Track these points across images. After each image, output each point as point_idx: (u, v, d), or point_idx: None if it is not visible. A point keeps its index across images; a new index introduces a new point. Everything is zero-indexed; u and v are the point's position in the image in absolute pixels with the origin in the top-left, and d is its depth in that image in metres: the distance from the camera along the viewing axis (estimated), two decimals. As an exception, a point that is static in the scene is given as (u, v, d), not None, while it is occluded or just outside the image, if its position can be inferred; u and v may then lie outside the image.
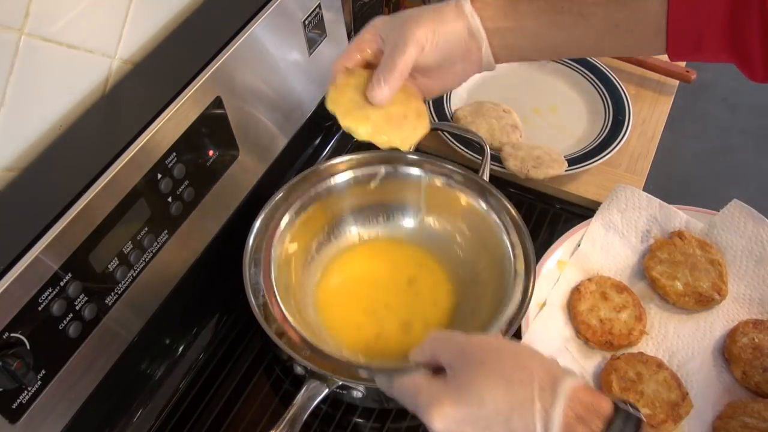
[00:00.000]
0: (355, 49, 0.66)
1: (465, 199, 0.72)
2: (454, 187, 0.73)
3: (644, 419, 0.49)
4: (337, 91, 0.65)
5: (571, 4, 0.64)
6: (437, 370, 0.54)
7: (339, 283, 0.73)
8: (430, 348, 0.56)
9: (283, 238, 0.71)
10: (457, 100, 1.09)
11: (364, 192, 0.75)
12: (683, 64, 1.16)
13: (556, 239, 0.90)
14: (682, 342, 0.83)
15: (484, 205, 0.70)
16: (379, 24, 0.67)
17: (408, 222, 0.76)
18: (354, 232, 0.76)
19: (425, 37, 0.63)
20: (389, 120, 0.63)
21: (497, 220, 0.70)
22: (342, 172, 0.76)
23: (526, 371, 0.50)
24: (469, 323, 0.70)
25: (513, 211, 0.71)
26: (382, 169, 0.74)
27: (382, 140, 0.63)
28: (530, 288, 0.66)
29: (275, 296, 0.66)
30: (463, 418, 0.50)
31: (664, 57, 0.64)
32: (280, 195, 0.87)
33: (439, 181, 0.73)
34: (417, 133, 0.65)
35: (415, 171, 0.73)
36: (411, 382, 0.54)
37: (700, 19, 0.61)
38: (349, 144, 1.07)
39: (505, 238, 0.69)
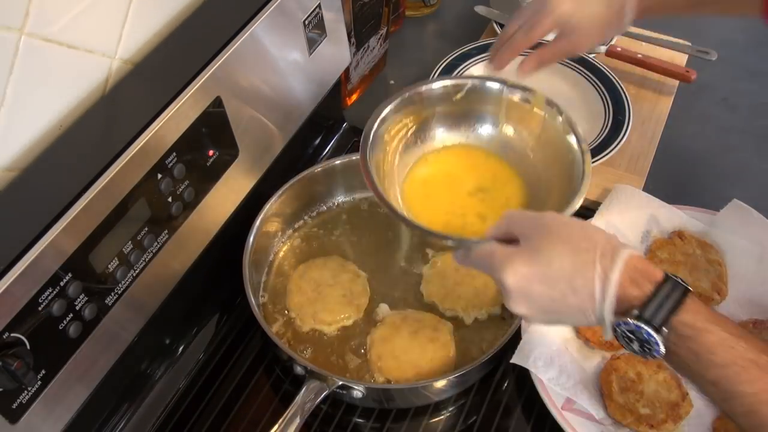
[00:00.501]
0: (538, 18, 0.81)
1: (540, 113, 0.78)
2: (531, 102, 0.79)
3: (692, 289, 0.55)
4: None
5: None
6: (510, 244, 0.60)
7: (422, 182, 0.79)
8: (505, 223, 0.62)
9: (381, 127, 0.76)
10: (457, 100, 1.09)
11: (450, 102, 0.80)
12: (684, 63, 1.16)
13: (556, 239, 0.90)
14: (682, 342, 0.83)
15: (560, 119, 0.76)
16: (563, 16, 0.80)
17: (487, 131, 0.82)
18: (439, 137, 0.82)
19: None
20: None
21: (570, 134, 0.76)
22: (432, 83, 0.80)
23: (591, 240, 0.57)
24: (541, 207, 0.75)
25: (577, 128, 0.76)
26: (469, 82, 0.80)
27: None
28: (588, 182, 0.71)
29: (369, 172, 0.71)
30: (533, 275, 0.57)
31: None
32: (280, 195, 0.88)
33: (517, 97, 0.79)
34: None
35: (496, 86, 0.80)
36: (488, 247, 0.61)
37: None
38: (348, 144, 1.07)
39: (574, 142, 0.75)
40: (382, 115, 0.75)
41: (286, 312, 0.85)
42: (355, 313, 0.84)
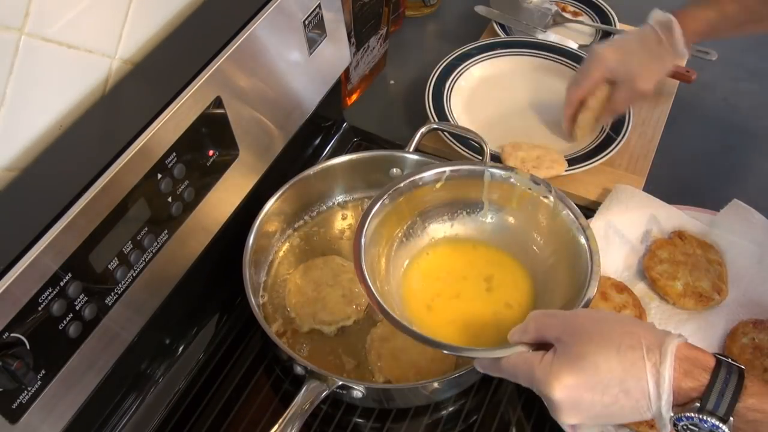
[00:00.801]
0: (591, 77, 0.96)
1: (532, 194, 0.77)
2: (533, 191, 0.77)
3: (745, 368, 0.53)
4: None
5: (753, 16, 0.90)
6: (539, 347, 0.58)
7: (420, 283, 0.78)
8: (534, 326, 0.59)
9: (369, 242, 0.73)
10: (458, 99, 1.09)
11: (434, 192, 0.79)
12: (683, 63, 1.16)
13: (556, 239, 0.90)
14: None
15: (551, 198, 0.76)
16: (611, 59, 0.95)
17: (479, 219, 0.81)
18: (431, 231, 0.81)
19: (650, 89, 0.96)
20: None
21: (564, 210, 0.75)
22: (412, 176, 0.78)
23: (634, 336, 0.54)
24: (549, 306, 0.73)
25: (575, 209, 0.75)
26: (447, 170, 0.78)
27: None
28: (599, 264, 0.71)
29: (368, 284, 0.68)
30: (581, 385, 0.54)
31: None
32: (280, 195, 0.88)
33: (501, 179, 0.78)
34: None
35: (478, 168, 0.79)
36: (522, 359, 0.58)
37: None
38: (349, 144, 1.07)
39: (571, 218, 0.74)
40: (370, 217, 0.73)
41: (285, 312, 0.85)
42: (355, 314, 0.83)
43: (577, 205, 0.97)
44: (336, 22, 0.92)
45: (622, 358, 0.53)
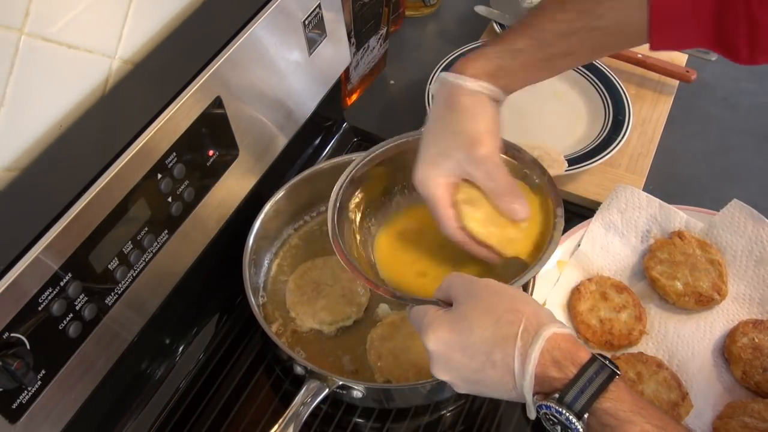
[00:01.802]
0: (447, 211, 0.70)
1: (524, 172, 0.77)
2: (518, 162, 0.77)
3: (620, 374, 0.53)
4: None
5: (554, 48, 0.70)
6: (448, 306, 0.60)
7: (392, 242, 0.80)
8: (446, 285, 0.61)
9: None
10: (457, 100, 1.09)
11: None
12: (684, 63, 1.16)
13: (556, 239, 0.90)
14: (682, 342, 0.83)
15: (537, 180, 0.75)
16: (433, 174, 0.71)
17: None
18: (406, 197, 0.83)
19: (495, 145, 0.70)
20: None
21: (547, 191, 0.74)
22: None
23: (517, 313, 0.55)
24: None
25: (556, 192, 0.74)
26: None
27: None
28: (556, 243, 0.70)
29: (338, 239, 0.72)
30: (453, 342, 0.57)
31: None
32: (280, 195, 0.88)
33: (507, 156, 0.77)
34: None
35: None
36: (422, 308, 0.61)
37: (683, 22, 0.65)
38: (348, 144, 1.07)
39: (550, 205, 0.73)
40: (344, 182, 0.77)
41: (285, 312, 0.85)
42: (355, 313, 0.83)
43: (577, 205, 0.99)
44: (336, 22, 0.92)
45: (497, 330, 0.55)
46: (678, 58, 1.17)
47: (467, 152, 0.68)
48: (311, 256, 0.90)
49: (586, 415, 0.52)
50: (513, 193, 0.69)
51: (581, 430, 0.52)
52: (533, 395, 0.54)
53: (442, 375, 0.58)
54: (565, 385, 0.52)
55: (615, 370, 0.53)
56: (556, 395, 0.52)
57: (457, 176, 0.70)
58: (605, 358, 0.54)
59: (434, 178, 0.70)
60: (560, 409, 0.52)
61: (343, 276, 0.86)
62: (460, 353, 0.56)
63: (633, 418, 0.51)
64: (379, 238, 0.81)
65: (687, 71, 1.10)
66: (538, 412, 0.54)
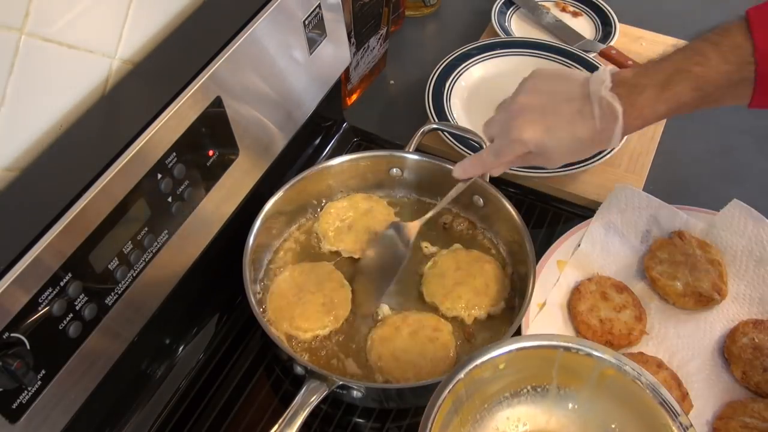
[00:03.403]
0: None
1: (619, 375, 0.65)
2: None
3: None
4: None
5: (710, 99, 0.68)
6: None
7: None
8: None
9: None
10: (458, 99, 1.09)
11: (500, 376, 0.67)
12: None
13: (556, 239, 0.90)
14: (682, 342, 0.83)
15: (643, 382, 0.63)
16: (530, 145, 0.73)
17: (543, 401, 0.69)
18: (501, 417, 0.69)
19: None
20: None
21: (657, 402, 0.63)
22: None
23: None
24: None
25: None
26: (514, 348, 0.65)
27: None
28: None
29: None
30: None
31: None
32: (280, 195, 0.88)
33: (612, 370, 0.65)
34: None
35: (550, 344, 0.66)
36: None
37: None
38: (348, 144, 1.07)
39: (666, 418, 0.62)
40: (432, 419, 0.61)
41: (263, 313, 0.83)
42: (332, 324, 0.82)
43: (577, 205, 0.99)
44: (336, 22, 0.92)
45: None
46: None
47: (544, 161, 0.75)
48: (311, 257, 0.90)
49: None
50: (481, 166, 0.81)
51: None
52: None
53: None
54: None
55: None
56: None
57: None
58: None
59: (510, 153, 0.75)
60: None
61: (327, 284, 0.85)
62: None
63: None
64: None
65: None
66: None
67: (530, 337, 0.69)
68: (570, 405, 0.68)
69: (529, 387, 0.68)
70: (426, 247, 0.91)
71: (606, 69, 0.70)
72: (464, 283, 0.85)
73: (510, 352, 0.64)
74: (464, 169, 0.81)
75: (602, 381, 0.65)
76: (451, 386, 0.62)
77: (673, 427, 0.61)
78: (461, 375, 0.63)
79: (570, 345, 0.64)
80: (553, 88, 0.72)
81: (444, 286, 0.85)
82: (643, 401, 0.62)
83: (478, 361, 0.63)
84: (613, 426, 0.66)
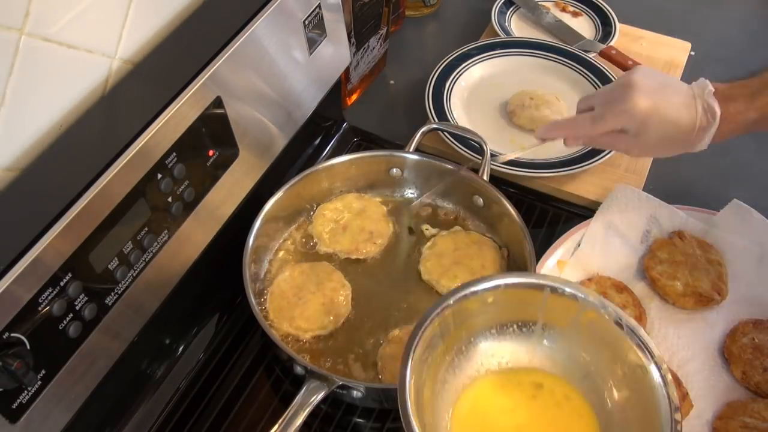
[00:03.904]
0: None
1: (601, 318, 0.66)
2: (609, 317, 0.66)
3: None
4: None
5: None
6: None
7: (475, 422, 0.67)
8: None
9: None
10: (458, 99, 1.09)
11: (487, 309, 0.68)
12: (683, 63, 1.16)
13: (556, 239, 0.90)
14: (682, 342, 0.83)
15: (624, 326, 0.65)
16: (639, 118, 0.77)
17: (528, 339, 0.70)
18: (476, 355, 0.70)
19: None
20: None
21: (645, 359, 0.64)
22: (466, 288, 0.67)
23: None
24: None
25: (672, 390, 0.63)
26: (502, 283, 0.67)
27: None
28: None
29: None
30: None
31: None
32: (280, 195, 0.88)
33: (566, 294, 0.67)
34: None
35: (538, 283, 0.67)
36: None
37: None
38: (348, 144, 1.07)
39: (653, 369, 0.63)
40: (417, 340, 0.62)
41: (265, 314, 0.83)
42: (332, 324, 0.82)
43: (577, 205, 0.99)
44: (336, 22, 0.92)
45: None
46: (678, 58, 1.17)
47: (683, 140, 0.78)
48: (311, 257, 0.90)
49: None
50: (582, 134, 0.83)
51: None
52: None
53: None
54: None
55: None
56: None
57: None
58: None
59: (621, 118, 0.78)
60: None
61: (327, 284, 0.85)
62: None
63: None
64: (466, 402, 0.68)
65: None
66: None
67: (519, 274, 0.70)
68: (552, 345, 0.69)
69: (515, 326, 0.70)
70: (427, 229, 0.93)
71: (706, 80, 0.77)
72: (461, 263, 0.86)
73: (499, 287, 0.66)
74: (549, 129, 0.84)
75: (585, 322, 0.67)
76: (439, 309, 0.64)
77: (649, 368, 0.63)
78: (450, 301, 0.64)
79: (557, 285, 0.66)
80: (664, 81, 0.78)
81: (441, 265, 0.86)
82: (621, 343, 0.64)
83: (468, 291, 0.65)
84: (592, 368, 0.68)
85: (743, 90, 0.76)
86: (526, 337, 0.70)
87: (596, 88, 1.09)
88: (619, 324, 0.64)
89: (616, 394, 0.66)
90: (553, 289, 0.67)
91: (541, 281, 0.67)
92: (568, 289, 0.66)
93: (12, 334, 0.57)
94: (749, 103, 0.75)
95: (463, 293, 0.65)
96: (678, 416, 0.60)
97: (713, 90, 0.75)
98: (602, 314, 0.65)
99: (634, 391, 0.65)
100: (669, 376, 0.62)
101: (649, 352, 0.63)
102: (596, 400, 0.67)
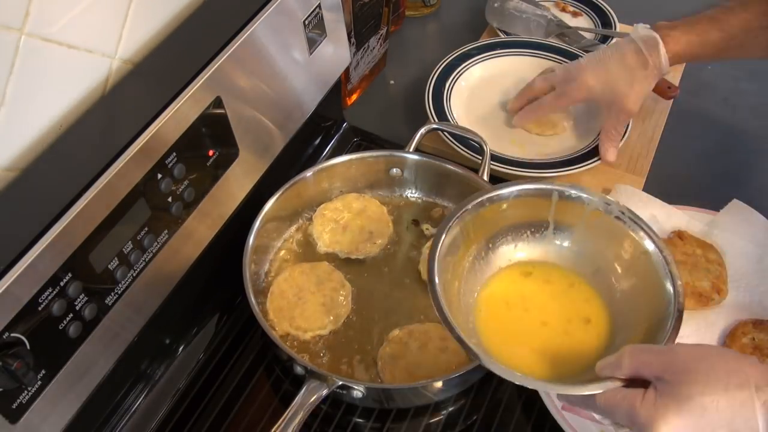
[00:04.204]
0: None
1: (605, 216, 0.73)
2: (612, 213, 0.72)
3: None
4: None
5: (736, 41, 0.88)
6: (633, 383, 0.57)
7: (495, 312, 0.73)
8: (629, 362, 0.57)
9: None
10: (458, 99, 1.09)
11: (509, 212, 0.74)
12: (682, 78, 1.16)
13: (556, 239, 0.90)
14: (682, 342, 0.82)
15: (626, 220, 0.72)
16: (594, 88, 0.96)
17: (541, 240, 0.76)
18: (507, 254, 0.76)
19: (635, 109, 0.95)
20: None
21: (647, 243, 0.70)
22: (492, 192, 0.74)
23: (741, 374, 0.53)
24: (626, 336, 0.69)
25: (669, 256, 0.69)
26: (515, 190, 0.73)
27: None
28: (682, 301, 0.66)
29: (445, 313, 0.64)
30: (689, 426, 0.53)
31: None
32: (280, 195, 0.88)
33: (572, 197, 0.73)
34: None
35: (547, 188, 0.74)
36: (621, 396, 0.57)
37: None
38: (348, 144, 1.07)
39: (656, 252, 0.69)
40: (442, 240, 0.69)
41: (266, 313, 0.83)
42: (332, 324, 0.82)
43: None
44: (336, 22, 0.92)
45: (731, 398, 0.52)
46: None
47: (618, 103, 0.94)
48: (311, 257, 0.90)
49: None
50: (615, 141, 0.97)
51: None
52: None
53: None
54: None
55: None
56: None
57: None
58: None
59: (576, 94, 0.97)
60: None
61: (327, 284, 0.85)
62: None
63: None
64: (486, 293, 0.74)
65: (669, 87, 1.07)
66: None
67: (530, 181, 0.77)
68: (563, 244, 0.76)
69: (528, 231, 0.76)
70: (427, 229, 0.93)
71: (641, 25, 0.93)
72: None
73: (512, 193, 0.73)
74: (524, 117, 1.03)
75: (591, 220, 0.73)
76: (460, 213, 0.71)
77: (651, 251, 0.69)
78: (468, 207, 0.72)
79: (564, 189, 0.74)
80: (605, 52, 0.95)
81: None
82: (625, 234, 0.72)
83: (485, 197, 0.73)
84: (601, 263, 0.74)
85: (683, 20, 0.91)
86: (539, 240, 0.76)
87: (596, 88, 1.10)
88: (620, 218, 0.71)
89: (624, 283, 0.72)
90: (561, 193, 0.73)
91: (550, 186, 0.74)
92: (574, 192, 0.73)
93: (12, 334, 0.57)
94: (689, 29, 0.90)
95: (479, 200, 0.72)
96: (680, 287, 0.66)
97: (647, 26, 0.92)
98: (606, 210, 0.72)
99: (641, 277, 0.70)
100: (671, 256, 0.68)
101: (651, 237, 0.70)
102: (606, 292, 0.73)
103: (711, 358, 0.55)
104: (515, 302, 0.74)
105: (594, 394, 0.58)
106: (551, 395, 0.76)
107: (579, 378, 0.63)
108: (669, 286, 0.67)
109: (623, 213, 0.71)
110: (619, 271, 0.73)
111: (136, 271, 0.69)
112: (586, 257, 0.75)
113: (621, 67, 0.92)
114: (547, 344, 0.70)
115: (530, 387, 0.63)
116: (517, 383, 0.60)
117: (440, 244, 0.68)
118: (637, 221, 0.71)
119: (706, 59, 0.94)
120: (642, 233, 0.70)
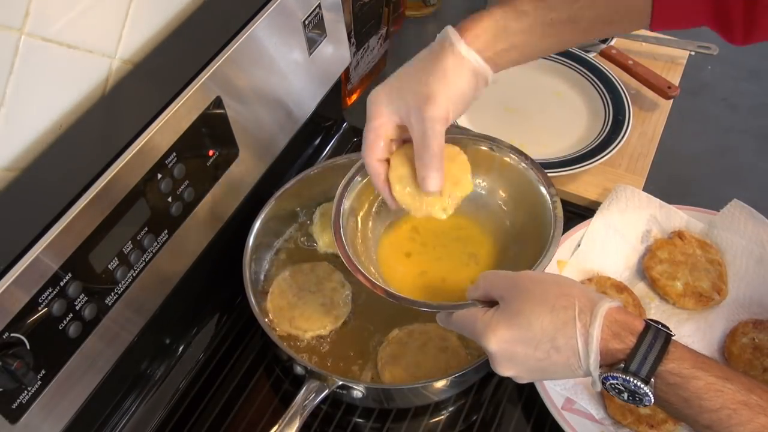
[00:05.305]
0: (376, 139, 0.70)
1: (506, 161, 0.81)
2: (495, 151, 0.81)
3: (674, 335, 0.56)
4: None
5: (559, 13, 0.69)
6: (489, 305, 0.62)
7: (393, 249, 0.82)
8: (482, 285, 0.63)
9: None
10: (457, 100, 1.09)
11: None
12: (684, 63, 1.16)
13: (556, 239, 0.90)
14: (682, 342, 0.82)
15: (523, 165, 0.79)
16: (384, 102, 0.69)
17: None
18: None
19: (447, 112, 0.68)
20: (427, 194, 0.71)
21: (535, 176, 0.78)
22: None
23: (568, 297, 0.58)
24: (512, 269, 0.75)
25: (543, 173, 0.79)
26: None
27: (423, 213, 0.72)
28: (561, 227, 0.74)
29: (342, 241, 0.74)
30: (515, 338, 0.58)
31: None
32: (280, 195, 0.88)
33: (484, 146, 0.81)
34: (453, 201, 0.72)
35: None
36: (468, 313, 0.63)
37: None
38: (348, 144, 1.07)
39: (543, 190, 0.77)
40: (346, 187, 0.76)
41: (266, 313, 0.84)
42: (332, 324, 0.82)
43: (577, 205, 0.99)
44: (336, 22, 0.92)
45: (555, 318, 0.57)
46: (680, 56, 1.17)
47: (418, 105, 0.67)
48: (311, 257, 0.90)
49: (653, 380, 0.54)
50: (433, 164, 0.67)
51: (650, 394, 0.55)
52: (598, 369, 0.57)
53: (507, 371, 0.60)
54: (628, 354, 0.55)
55: (669, 332, 0.56)
56: (621, 365, 0.55)
57: (400, 119, 0.69)
58: (657, 322, 0.57)
59: (380, 105, 0.69)
60: (627, 378, 0.55)
61: (327, 284, 0.85)
62: (523, 347, 0.58)
63: (696, 373, 0.54)
64: (384, 238, 0.82)
65: (669, 87, 1.07)
66: (603, 383, 0.57)
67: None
68: (479, 191, 0.81)
69: None
70: None
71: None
72: None
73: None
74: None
75: (502, 169, 0.80)
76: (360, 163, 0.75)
77: (546, 195, 0.76)
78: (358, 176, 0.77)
79: (476, 138, 0.80)
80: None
81: None
82: (529, 183, 0.78)
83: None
84: (505, 208, 0.82)
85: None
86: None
87: (596, 88, 1.09)
88: (520, 164, 0.79)
89: (518, 218, 0.80)
90: (474, 142, 0.80)
91: (460, 135, 0.80)
92: (482, 141, 0.81)
93: (12, 334, 0.57)
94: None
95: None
96: (555, 194, 0.75)
97: (450, 26, 0.75)
98: (513, 162, 0.79)
99: (532, 215, 0.77)
100: (554, 191, 0.76)
101: (544, 182, 0.77)
102: (499, 228, 0.81)
103: (546, 283, 0.60)
104: (408, 249, 0.81)
105: (452, 313, 0.64)
106: (551, 395, 0.76)
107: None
108: (544, 191, 0.76)
109: (520, 159, 0.78)
110: (518, 211, 0.80)
111: (136, 271, 0.69)
112: (484, 203, 0.82)
113: (418, 70, 0.72)
114: (433, 280, 0.78)
115: (404, 304, 0.69)
116: (394, 302, 0.69)
117: (341, 201, 0.75)
118: (537, 168, 0.77)
119: (533, 49, 0.74)
120: (535, 173, 0.77)
